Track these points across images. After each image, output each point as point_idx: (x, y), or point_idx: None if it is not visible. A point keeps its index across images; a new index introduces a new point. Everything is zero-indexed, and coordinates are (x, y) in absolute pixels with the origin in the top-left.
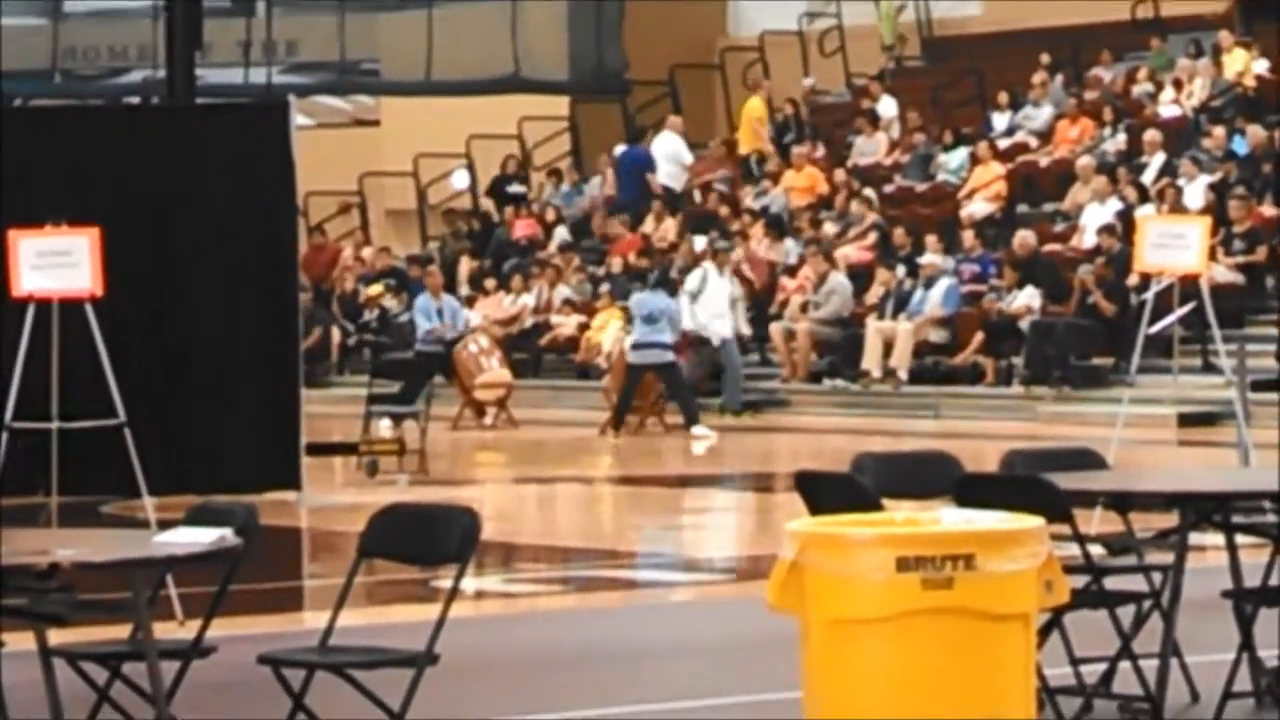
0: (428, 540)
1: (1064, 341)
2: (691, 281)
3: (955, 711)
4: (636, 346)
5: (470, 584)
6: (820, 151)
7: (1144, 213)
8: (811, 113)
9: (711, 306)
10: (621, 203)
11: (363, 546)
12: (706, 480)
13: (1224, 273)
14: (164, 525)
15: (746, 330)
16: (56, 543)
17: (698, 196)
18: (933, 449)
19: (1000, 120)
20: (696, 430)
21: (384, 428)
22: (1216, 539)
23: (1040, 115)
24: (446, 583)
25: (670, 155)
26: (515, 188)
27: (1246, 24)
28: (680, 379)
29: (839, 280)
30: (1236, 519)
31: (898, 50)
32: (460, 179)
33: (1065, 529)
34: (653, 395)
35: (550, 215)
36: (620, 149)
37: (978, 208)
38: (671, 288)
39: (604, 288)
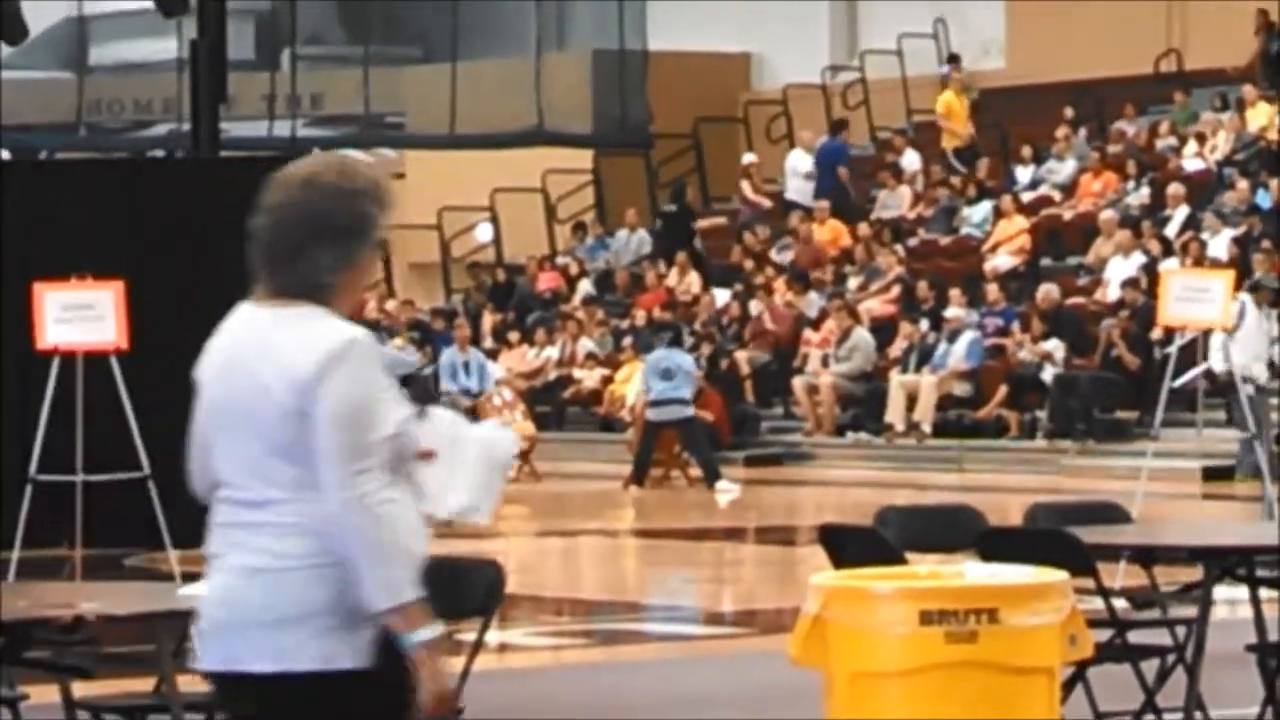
0: (452, 592)
1: (1088, 395)
2: None
3: None
4: (655, 404)
5: (494, 637)
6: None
7: (1168, 266)
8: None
9: (1250, 347)
10: (820, 193)
11: None
12: (730, 533)
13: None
14: (188, 578)
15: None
16: (81, 595)
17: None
18: (956, 502)
19: (1024, 174)
20: (720, 485)
21: None
22: (1240, 593)
23: (1064, 169)
24: (470, 635)
25: (804, 171)
26: (699, 222)
27: (1270, 78)
28: (699, 435)
29: (862, 336)
30: (1260, 573)
31: (954, 143)
32: (484, 232)
33: (1089, 583)
34: (675, 448)
35: (574, 268)
36: (815, 142)
37: (1001, 261)
38: (684, 343)
39: (627, 341)
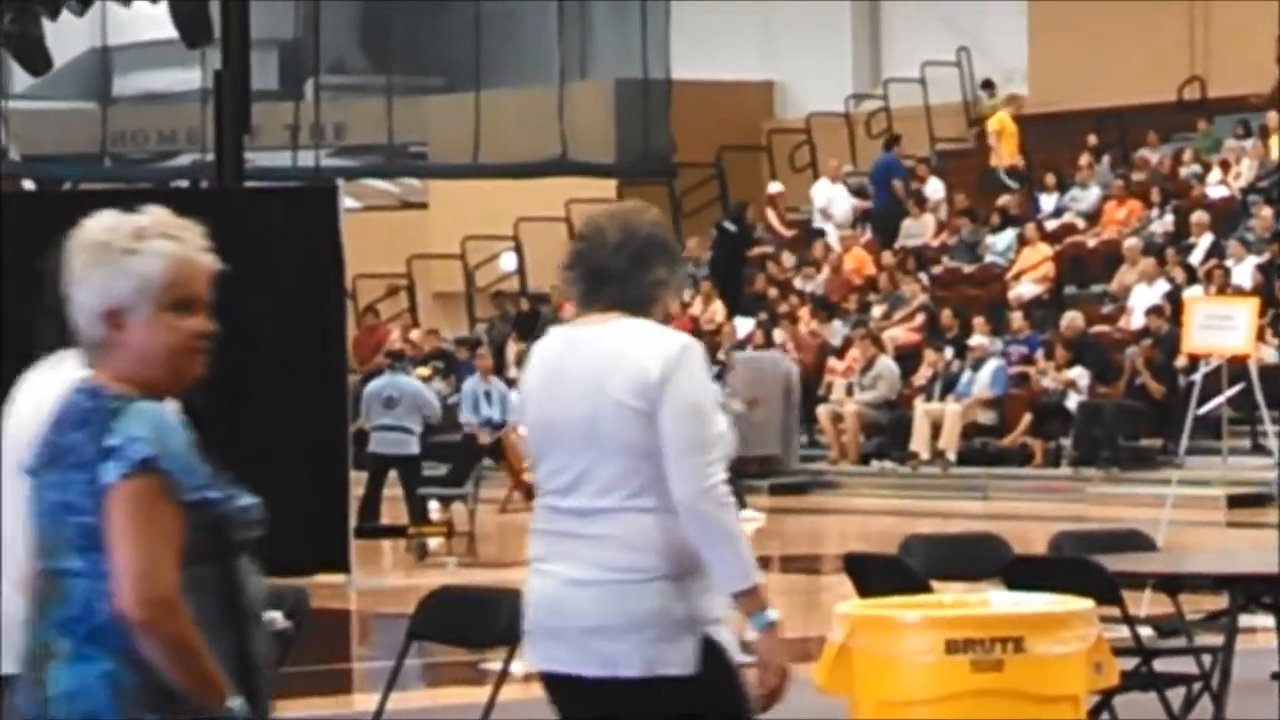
0: (477, 622)
1: (1112, 423)
2: None
3: None
4: None
5: (520, 666)
6: (868, 233)
7: (1192, 294)
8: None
9: None
10: (876, 212)
11: (412, 629)
12: (755, 561)
13: (1272, 353)
14: None
15: None
16: None
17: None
18: (981, 531)
19: (1048, 201)
20: (745, 513)
21: (433, 510)
22: (1266, 621)
23: (1087, 196)
24: (496, 665)
25: (820, 205)
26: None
27: None
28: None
29: (886, 364)
30: None
31: (1004, 163)
32: (508, 261)
33: (1114, 611)
34: None
35: None
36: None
37: (1025, 289)
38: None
39: None
